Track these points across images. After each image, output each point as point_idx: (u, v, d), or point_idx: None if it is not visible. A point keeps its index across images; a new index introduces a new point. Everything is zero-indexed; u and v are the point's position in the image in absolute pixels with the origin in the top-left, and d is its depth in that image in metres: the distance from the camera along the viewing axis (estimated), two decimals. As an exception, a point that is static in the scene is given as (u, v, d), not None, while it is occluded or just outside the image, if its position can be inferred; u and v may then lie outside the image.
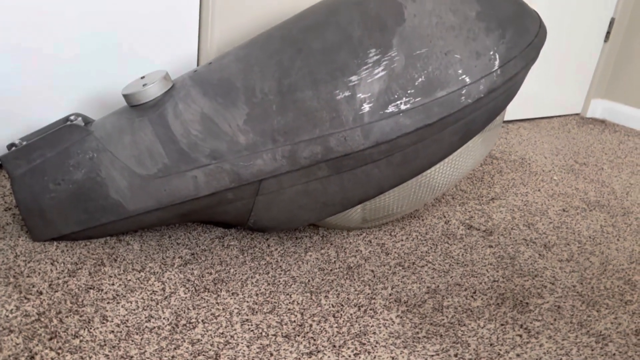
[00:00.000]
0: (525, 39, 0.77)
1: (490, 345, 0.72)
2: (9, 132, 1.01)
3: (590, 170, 1.49)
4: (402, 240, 0.96)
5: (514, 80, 0.78)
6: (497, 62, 0.75)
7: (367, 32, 0.75)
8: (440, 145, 0.78)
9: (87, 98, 1.06)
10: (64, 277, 0.75)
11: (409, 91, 0.73)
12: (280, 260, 0.85)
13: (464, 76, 0.73)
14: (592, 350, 0.74)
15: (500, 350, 0.71)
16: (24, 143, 0.82)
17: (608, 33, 2.01)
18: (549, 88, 1.95)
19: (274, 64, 0.77)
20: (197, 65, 1.17)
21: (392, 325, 0.74)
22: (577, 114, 2.15)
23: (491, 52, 0.75)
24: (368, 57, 0.74)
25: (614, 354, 0.74)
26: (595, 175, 1.45)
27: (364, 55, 0.74)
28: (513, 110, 1.86)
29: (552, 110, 2.03)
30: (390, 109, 0.73)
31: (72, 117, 0.84)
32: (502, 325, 0.77)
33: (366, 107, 0.73)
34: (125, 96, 0.81)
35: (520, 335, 0.75)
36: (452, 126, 0.76)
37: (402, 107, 0.73)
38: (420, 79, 0.73)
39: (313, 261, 0.86)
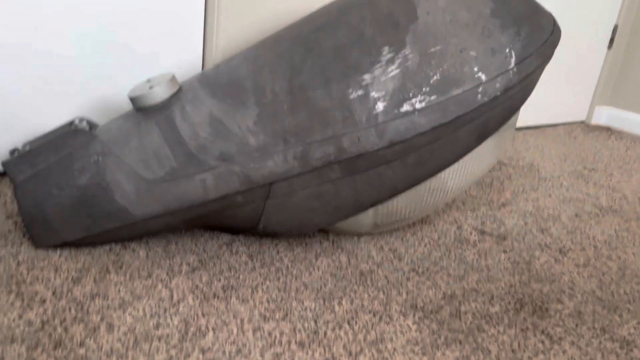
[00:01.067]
0: (541, 36, 0.76)
1: (512, 351, 0.69)
2: (11, 137, 0.99)
3: (599, 175, 1.47)
4: (415, 245, 0.94)
5: (530, 78, 0.76)
6: (513, 60, 0.73)
7: (379, 30, 0.74)
8: (456, 145, 0.76)
9: (91, 101, 1.05)
10: (68, 284, 0.72)
11: (423, 89, 0.71)
12: (291, 266, 0.83)
13: (479, 74, 0.72)
14: (617, 356, 0.71)
15: (522, 356, 0.69)
16: (27, 148, 0.80)
17: (612, 40, 2.00)
18: (553, 95, 1.94)
19: (285, 64, 0.75)
20: (202, 68, 1.15)
21: (409, 331, 0.71)
22: (581, 122, 2.13)
23: (507, 50, 0.73)
24: (381, 55, 0.72)
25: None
26: (605, 180, 1.43)
27: (377, 54, 0.72)
28: (518, 118, 1.84)
29: (556, 118, 2.01)
30: (405, 107, 0.71)
31: (76, 121, 0.82)
32: (522, 331, 0.74)
33: (380, 106, 0.71)
34: (132, 99, 0.79)
35: (543, 342, 0.72)
36: (467, 125, 0.74)
37: (417, 105, 0.71)
38: (435, 77, 0.71)
39: (324, 267, 0.84)
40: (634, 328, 0.78)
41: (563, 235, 1.06)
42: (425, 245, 0.94)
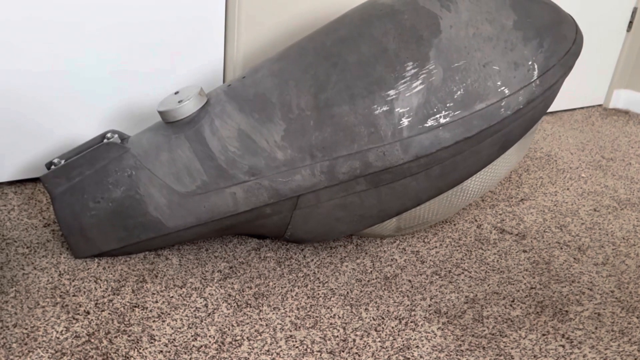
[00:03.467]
0: (563, 46, 0.76)
1: (534, 357, 0.72)
2: (44, 148, 1.02)
3: (617, 165, 1.47)
4: (436, 247, 0.96)
5: (553, 89, 0.77)
6: (535, 73, 0.74)
7: (403, 45, 0.75)
8: (479, 157, 0.77)
9: (118, 111, 1.07)
10: (109, 295, 0.76)
11: (448, 104, 0.72)
12: (317, 271, 0.86)
13: (503, 88, 0.73)
14: (636, 359, 0.74)
15: (544, 362, 0.72)
16: (62, 162, 0.83)
17: (631, 22, 1.98)
18: (571, 80, 1.93)
19: (310, 79, 0.77)
20: (224, 74, 1.17)
21: (435, 338, 0.74)
22: (599, 105, 2.12)
23: (530, 62, 0.74)
24: (405, 71, 0.73)
25: (658, 363, 0.74)
26: (624, 171, 1.44)
27: (401, 69, 0.74)
28: (535, 104, 1.84)
29: (574, 102, 2.01)
30: (430, 122, 0.72)
31: (108, 135, 0.84)
32: (543, 335, 0.77)
33: (405, 122, 0.73)
34: (161, 113, 0.82)
35: (563, 346, 0.75)
36: (490, 137, 0.75)
37: (442, 120, 0.72)
38: (459, 92, 0.72)
39: (350, 272, 0.87)
40: (652, 330, 0.80)
41: (582, 232, 1.08)
42: (446, 247, 0.97)
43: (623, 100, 2.09)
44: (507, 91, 0.73)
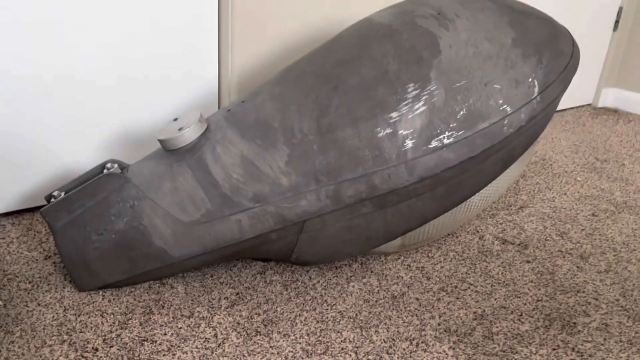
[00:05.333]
0: (562, 61, 0.77)
1: (546, 373, 0.72)
2: (40, 178, 1.01)
3: (611, 167, 1.49)
4: (441, 261, 0.96)
5: (553, 104, 0.77)
6: (536, 89, 0.74)
7: (403, 66, 0.75)
8: (483, 175, 0.77)
9: (114, 138, 1.06)
10: (116, 329, 0.75)
11: (451, 125, 0.72)
12: (325, 293, 0.86)
13: (505, 106, 0.73)
14: (646, 370, 0.74)
15: (556, 378, 0.72)
16: (62, 194, 0.82)
17: (617, 22, 2.00)
18: (560, 81, 1.94)
19: (311, 103, 0.77)
20: (219, 94, 1.16)
21: (446, 358, 0.74)
22: (588, 105, 2.14)
23: (530, 79, 0.74)
24: (407, 93, 0.73)
25: (668, 373, 0.74)
26: (618, 172, 1.45)
27: (403, 91, 0.73)
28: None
29: (563, 103, 2.02)
30: (434, 144, 0.72)
31: (108, 165, 0.83)
32: (554, 350, 0.77)
33: (409, 144, 0.73)
34: (161, 141, 0.81)
35: (574, 360, 0.75)
36: (494, 155, 0.76)
37: (445, 141, 0.72)
38: (461, 112, 0.72)
39: (357, 292, 0.86)
40: (660, 338, 0.81)
41: (582, 239, 1.08)
42: (450, 260, 0.97)
43: (612, 99, 2.12)
44: (509, 109, 0.73)
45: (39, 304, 0.79)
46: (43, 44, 0.93)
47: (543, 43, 0.76)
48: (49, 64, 0.95)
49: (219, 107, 1.17)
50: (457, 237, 1.05)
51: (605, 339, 0.80)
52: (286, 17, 1.18)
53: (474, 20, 0.77)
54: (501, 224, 1.12)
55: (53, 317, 0.76)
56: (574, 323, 0.83)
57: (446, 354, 0.75)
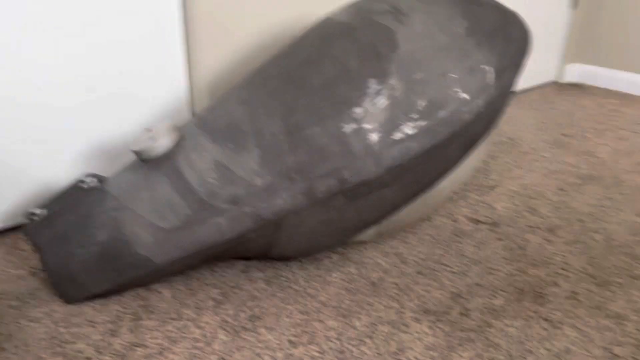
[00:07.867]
0: (514, 46, 0.81)
1: (520, 343, 0.77)
2: (19, 195, 1.02)
3: (576, 141, 1.54)
4: (417, 245, 1.00)
5: (509, 87, 0.81)
6: (491, 75, 0.78)
7: (363, 62, 0.78)
8: (447, 160, 0.81)
9: (88, 150, 1.08)
10: (107, 337, 0.77)
11: (412, 116, 0.76)
12: (307, 286, 0.89)
13: (463, 94, 0.77)
14: (614, 332, 0.79)
15: (530, 346, 0.76)
16: (43, 211, 0.84)
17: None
18: (524, 61, 1.99)
19: (278, 105, 0.79)
20: (192, 100, 1.18)
21: (426, 337, 0.78)
22: (554, 82, 2.20)
23: (485, 67, 0.78)
24: (368, 88, 0.76)
25: (633, 333, 0.79)
26: (583, 146, 1.51)
27: (364, 87, 0.77)
28: (494, 88, 1.90)
29: (529, 81, 2.08)
30: (398, 135, 0.76)
31: (87, 179, 0.85)
32: (526, 320, 0.81)
33: (374, 137, 0.76)
34: (136, 152, 0.83)
35: (546, 329, 0.80)
36: (456, 141, 0.79)
37: (409, 132, 0.76)
38: (422, 103, 0.76)
39: (338, 282, 0.90)
40: (625, 302, 0.86)
41: (550, 213, 1.13)
42: (426, 244, 1.01)
43: (577, 74, 2.18)
44: (467, 96, 0.77)
45: (29, 320, 0.81)
46: (9, 67, 0.94)
47: (494, 30, 0.80)
48: (4, 87, 0.96)
49: (191, 113, 1.19)
50: (431, 221, 1.09)
51: (574, 307, 0.85)
52: (250, 19, 1.20)
53: (428, 13, 0.80)
54: (473, 205, 1.16)
55: (44, 331, 0.78)
56: (545, 294, 0.88)
57: (426, 333, 0.78)
